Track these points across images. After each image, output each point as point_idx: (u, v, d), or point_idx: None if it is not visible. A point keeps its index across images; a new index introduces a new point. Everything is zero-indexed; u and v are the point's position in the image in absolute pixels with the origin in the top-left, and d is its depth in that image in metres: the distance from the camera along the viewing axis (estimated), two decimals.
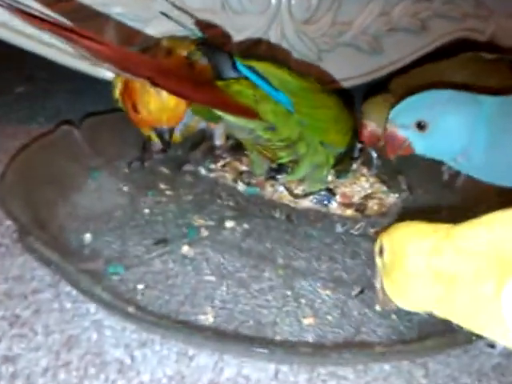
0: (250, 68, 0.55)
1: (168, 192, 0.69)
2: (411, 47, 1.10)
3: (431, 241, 0.42)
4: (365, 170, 0.74)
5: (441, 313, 0.43)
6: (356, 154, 0.75)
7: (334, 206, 0.61)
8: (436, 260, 0.42)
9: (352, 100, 0.88)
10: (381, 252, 0.47)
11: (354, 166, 0.75)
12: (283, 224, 0.64)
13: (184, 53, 0.71)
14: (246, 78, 0.55)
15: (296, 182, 0.65)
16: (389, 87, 0.86)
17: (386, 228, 0.48)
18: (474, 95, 0.61)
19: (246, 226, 0.63)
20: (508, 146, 0.60)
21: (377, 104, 0.78)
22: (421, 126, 0.60)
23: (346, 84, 1.04)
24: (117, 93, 0.71)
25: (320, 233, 0.64)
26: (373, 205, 0.63)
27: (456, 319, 0.42)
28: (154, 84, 0.50)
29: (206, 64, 0.69)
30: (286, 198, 0.63)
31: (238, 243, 0.60)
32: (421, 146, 0.61)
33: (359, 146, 0.75)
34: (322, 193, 0.61)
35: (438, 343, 0.46)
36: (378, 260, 0.47)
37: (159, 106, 0.63)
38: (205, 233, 0.61)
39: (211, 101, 0.55)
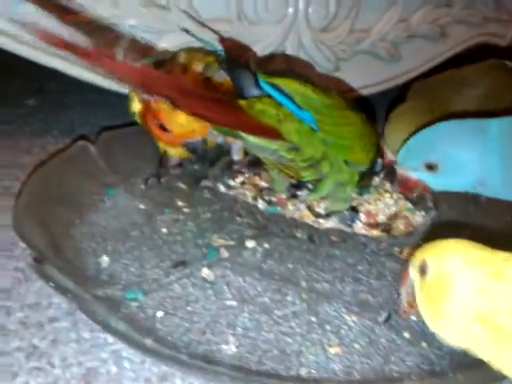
0: (274, 85, 0.53)
1: (186, 209, 0.67)
2: (430, 54, 1.08)
3: (482, 277, 0.39)
4: (388, 185, 0.72)
5: (484, 357, 0.39)
6: (378, 168, 0.73)
7: (358, 226, 0.59)
8: (485, 302, 0.38)
9: (373, 112, 0.85)
10: (422, 270, 0.42)
11: (377, 180, 0.73)
12: (305, 244, 0.62)
13: (199, 67, 0.69)
14: (269, 96, 0.53)
15: (319, 199, 0.63)
16: (407, 94, 0.83)
17: (422, 244, 0.45)
18: (478, 121, 0.58)
19: (266, 245, 0.62)
20: None
21: (396, 127, 0.75)
22: (431, 167, 0.57)
23: (363, 92, 1.02)
24: (133, 106, 0.70)
25: (343, 253, 0.61)
26: (399, 224, 0.61)
27: (505, 371, 0.39)
28: (175, 105, 0.48)
29: (223, 79, 0.68)
30: (308, 218, 0.60)
31: (259, 264, 0.58)
32: (435, 184, 0.59)
33: (380, 161, 0.73)
34: (346, 212, 0.59)
35: (471, 377, 0.44)
36: (414, 275, 0.43)
37: (188, 118, 0.62)
38: (225, 254, 0.59)
39: (234, 122, 0.53)
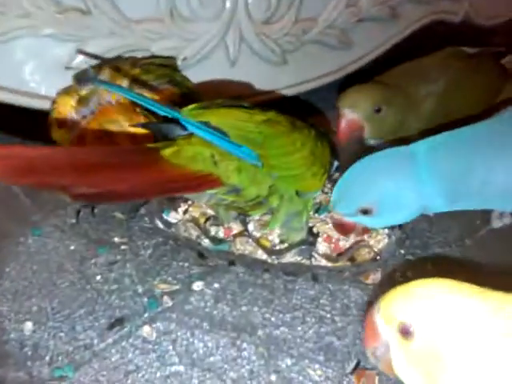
0: (203, 123, 0.45)
1: (123, 246, 0.59)
2: (382, 37, 1.00)
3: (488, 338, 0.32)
4: None
5: None
6: (332, 171, 0.66)
7: (318, 258, 0.53)
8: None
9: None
10: (405, 332, 0.35)
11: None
12: (259, 279, 0.55)
13: (125, 83, 0.61)
14: None
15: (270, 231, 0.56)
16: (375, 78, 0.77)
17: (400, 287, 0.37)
18: (401, 150, 0.53)
19: (216, 285, 0.55)
20: (461, 179, 0.51)
21: (355, 92, 0.69)
22: (366, 212, 0.52)
23: (315, 84, 0.95)
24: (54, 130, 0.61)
25: (302, 286, 0.55)
26: (362, 252, 0.54)
27: None
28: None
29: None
30: (261, 254, 0.53)
31: (209, 312, 0.52)
32: (375, 225, 0.55)
33: (336, 163, 0.67)
34: (303, 247, 0.52)
35: None
36: (390, 333, 0.36)
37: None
38: (168, 302, 0.52)
39: (157, 190, 0.44)
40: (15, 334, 0.48)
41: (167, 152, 0.43)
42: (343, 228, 0.54)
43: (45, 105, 0.71)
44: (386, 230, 0.59)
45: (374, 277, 0.57)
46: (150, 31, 0.76)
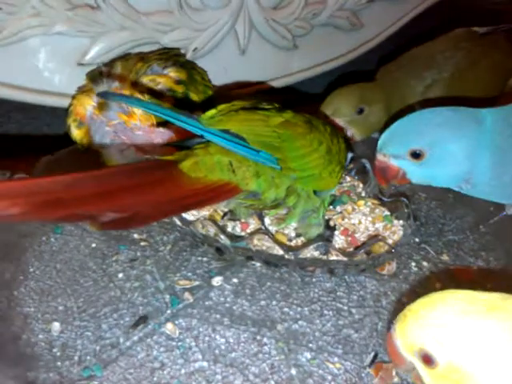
0: (223, 132, 0.45)
1: (143, 243, 0.60)
2: (392, 17, 1.00)
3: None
4: (361, 187, 0.66)
5: None
6: (347, 163, 0.66)
7: (334, 253, 0.53)
8: None
9: None
10: (426, 360, 0.35)
11: (348, 180, 0.67)
12: (277, 272, 0.57)
13: (142, 77, 0.62)
14: None
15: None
16: (376, 77, 0.77)
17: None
18: (473, 111, 0.52)
19: (235, 280, 0.56)
20: None
21: (334, 98, 0.71)
22: (416, 155, 0.51)
23: (326, 67, 0.95)
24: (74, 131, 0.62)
25: (319, 279, 0.56)
26: (378, 247, 0.55)
27: None
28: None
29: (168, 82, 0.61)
30: (278, 250, 0.54)
31: (229, 308, 0.53)
32: (418, 176, 0.53)
33: (350, 155, 0.67)
34: (320, 243, 0.53)
35: None
36: (413, 360, 0.36)
37: None
38: (190, 298, 0.54)
39: (179, 207, 0.44)
40: (43, 334, 0.50)
41: (186, 165, 0.44)
42: (385, 173, 0.54)
43: (60, 102, 0.72)
44: (401, 222, 0.59)
45: (390, 267, 0.58)
46: (160, 23, 0.76)
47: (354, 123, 0.70)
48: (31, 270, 0.56)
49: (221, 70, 0.83)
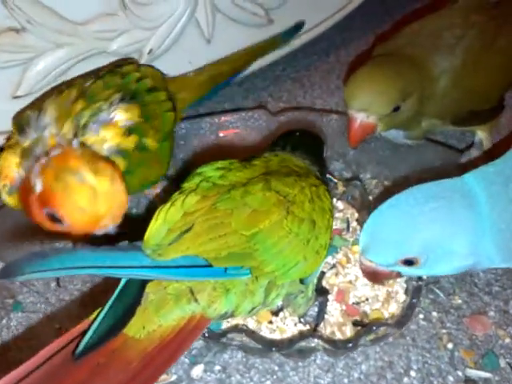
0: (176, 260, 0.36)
1: None
2: None
3: None
4: (356, 218, 0.57)
5: None
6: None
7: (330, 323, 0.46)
8: None
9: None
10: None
11: (340, 209, 0.58)
12: (261, 353, 0.49)
13: (68, 128, 0.51)
14: None
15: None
16: (372, 54, 0.64)
17: None
18: (457, 187, 0.42)
19: (218, 367, 0.49)
20: None
21: (368, 91, 0.57)
22: (409, 263, 0.43)
23: (308, 36, 0.81)
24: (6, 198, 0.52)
25: (315, 354, 0.49)
26: (378, 313, 0.47)
27: None
28: None
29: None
30: (259, 328, 0.47)
31: None
32: (418, 274, 0.47)
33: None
34: (309, 337, 0.45)
35: None
36: None
37: (93, 200, 0.45)
38: None
39: None
40: None
41: (132, 331, 0.36)
42: (376, 276, 0.46)
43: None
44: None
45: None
46: (103, 30, 0.64)
47: (384, 121, 0.57)
48: None
49: (185, 65, 0.71)
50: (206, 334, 0.47)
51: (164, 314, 0.37)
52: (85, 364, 0.35)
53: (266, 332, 0.48)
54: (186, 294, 0.38)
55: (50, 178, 0.46)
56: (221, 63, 0.71)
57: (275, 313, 0.49)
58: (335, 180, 0.59)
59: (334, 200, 0.58)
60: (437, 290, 0.54)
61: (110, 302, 0.36)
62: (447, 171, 0.60)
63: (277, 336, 0.47)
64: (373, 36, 0.85)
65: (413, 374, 0.48)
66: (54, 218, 0.47)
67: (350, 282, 0.51)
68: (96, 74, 0.58)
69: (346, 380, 0.48)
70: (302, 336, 0.46)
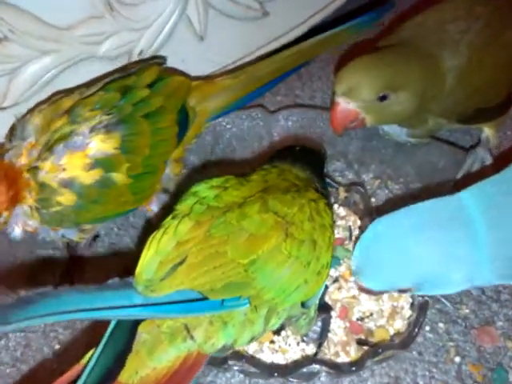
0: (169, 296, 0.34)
1: None
2: None
3: None
4: (358, 225, 0.55)
5: None
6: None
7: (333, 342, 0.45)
8: None
9: None
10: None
11: (342, 215, 0.56)
12: (263, 377, 0.47)
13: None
14: None
15: None
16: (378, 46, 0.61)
17: None
18: (459, 201, 0.41)
19: None
20: None
21: (353, 73, 0.55)
22: (403, 291, 0.44)
23: (303, 28, 0.78)
24: None
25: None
26: (382, 332, 0.46)
27: None
28: None
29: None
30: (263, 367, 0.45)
31: None
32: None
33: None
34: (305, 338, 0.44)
35: None
36: None
37: None
38: None
39: None
40: None
41: (124, 377, 0.34)
42: (372, 293, 0.46)
43: None
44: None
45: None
46: (90, 34, 0.61)
47: (370, 110, 0.54)
48: None
49: (178, 64, 0.68)
50: None
51: (158, 356, 0.36)
52: None
53: (267, 353, 0.46)
54: (181, 332, 0.36)
55: None
56: (261, 64, 0.65)
57: (277, 331, 0.48)
58: (336, 185, 0.57)
59: (336, 206, 0.56)
60: (443, 300, 0.52)
61: (100, 347, 0.35)
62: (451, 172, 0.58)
63: (279, 357, 0.46)
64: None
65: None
66: None
67: (354, 296, 0.49)
68: (107, 78, 0.56)
69: None
70: (304, 361, 0.44)
